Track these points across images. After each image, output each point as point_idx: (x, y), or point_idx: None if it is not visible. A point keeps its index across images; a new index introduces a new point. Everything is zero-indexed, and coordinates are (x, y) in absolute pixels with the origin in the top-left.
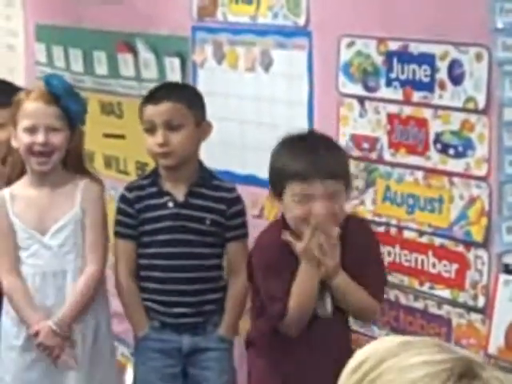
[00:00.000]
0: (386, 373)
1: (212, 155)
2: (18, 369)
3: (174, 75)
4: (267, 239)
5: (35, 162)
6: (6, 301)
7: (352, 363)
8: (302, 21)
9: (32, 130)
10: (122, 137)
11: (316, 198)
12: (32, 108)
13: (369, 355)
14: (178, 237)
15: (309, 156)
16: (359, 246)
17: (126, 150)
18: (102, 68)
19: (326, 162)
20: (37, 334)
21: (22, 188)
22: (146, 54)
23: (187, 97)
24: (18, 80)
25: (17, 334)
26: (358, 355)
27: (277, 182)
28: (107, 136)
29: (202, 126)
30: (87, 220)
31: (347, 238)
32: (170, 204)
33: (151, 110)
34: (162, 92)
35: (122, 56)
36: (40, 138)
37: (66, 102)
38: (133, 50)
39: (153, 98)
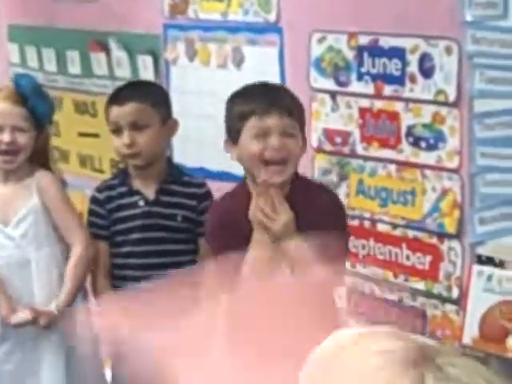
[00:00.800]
0: (345, 361)
1: (186, 152)
2: None
3: (147, 73)
4: (227, 200)
5: (1, 161)
6: None
7: (313, 353)
8: (272, 17)
9: None
10: (96, 135)
11: (272, 133)
12: None
13: (330, 344)
14: (151, 235)
15: (266, 94)
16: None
17: (100, 148)
18: (75, 67)
19: (282, 100)
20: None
21: None
22: (118, 53)
23: (151, 96)
24: None
25: None
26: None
27: (234, 126)
28: (82, 135)
29: (168, 124)
30: (50, 208)
31: (299, 199)
32: (141, 203)
33: (116, 112)
34: (126, 92)
35: (95, 55)
36: (6, 137)
37: (33, 103)
38: (106, 49)
39: (117, 98)
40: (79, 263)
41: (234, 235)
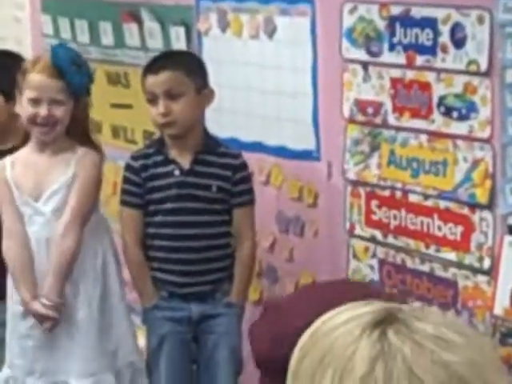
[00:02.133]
0: (323, 332)
1: (218, 122)
2: (16, 336)
3: (179, 44)
4: None
5: (38, 132)
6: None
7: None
8: None
9: (35, 102)
10: (129, 106)
11: None
12: (36, 80)
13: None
14: (185, 205)
15: None
16: None
17: (133, 119)
18: (107, 38)
19: None
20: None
21: (24, 154)
22: (151, 24)
23: (186, 64)
24: (26, 52)
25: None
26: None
27: None
28: (114, 106)
29: (203, 93)
30: (75, 185)
31: None
32: (176, 172)
33: (151, 81)
34: (161, 61)
35: (128, 26)
36: (43, 110)
37: (70, 76)
38: (138, 20)
39: (152, 68)
40: (69, 257)
41: None
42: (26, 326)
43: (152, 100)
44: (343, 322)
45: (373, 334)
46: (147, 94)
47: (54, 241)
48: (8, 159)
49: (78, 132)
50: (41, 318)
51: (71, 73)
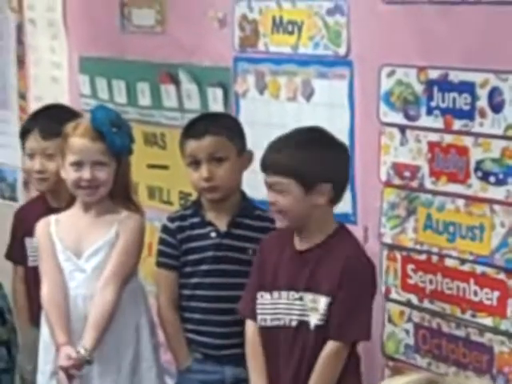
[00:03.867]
0: None
1: (253, 184)
2: None
3: (217, 106)
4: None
5: (82, 194)
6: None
7: None
8: (342, 50)
9: (78, 165)
10: (165, 167)
11: (268, 188)
12: (78, 144)
13: None
14: (221, 267)
15: (268, 148)
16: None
17: (169, 180)
18: (145, 99)
19: (272, 157)
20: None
21: (69, 213)
22: (188, 85)
23: (228, 128)
24: None
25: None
26: None
27: None
28: (151, 167)
29: (243, 156)
30: (117, 245)
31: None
32: (213, 234)
33: (194, 145)
34: (202, 125)
35: (165, 87)
36: (86, 174)
37: (110, 137)
38: (175, 81)
39: (193, 132)
40: (106, 314)
41: None
42: None
43: (193, 164)
44: None
45: None
46: (188, 157)
47: (90, 298)
48: (53, 217)
49: (120, 193)
50: (66, 362)
51: (111, 134)
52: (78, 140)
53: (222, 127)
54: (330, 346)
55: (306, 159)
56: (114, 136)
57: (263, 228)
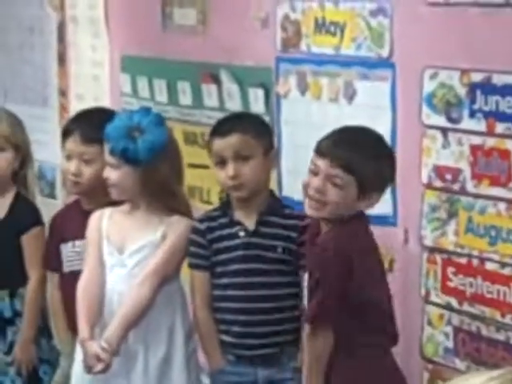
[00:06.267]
0: None
1: (294, 184)
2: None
3: (258, 106)
4: None
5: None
6: None
7: None
8: (385, 52)
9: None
10: (205, 167)
11: (318, 174)
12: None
13: None
14: (250, 266)
15: (339, 138)
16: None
17: (209, 180)
18: (186, 98)
19: (346, 151)
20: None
21: (119, 209)
22: (229, 85)
23: (254, 127)
24: None
25: None
26: None
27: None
28: (191, 166)
29: (270, 155)
30: (162, 244)
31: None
32: (241, 233)
33: (219, 143)
34: (228, 124)
35: (207, 87)
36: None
37: (119, 143)
38: (217, 81)
39: (219, 130)
40: (139, 309)
41: None
42: (89, 377)
43: (220, 163)
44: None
45: None
46: (215, 156)
47: (126, 295)
48: (108, 210)
49: (157, 198)
50: (92, 361)
51: (121, 140)
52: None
53: (248, 126)
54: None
55: (376, 168)
56: (125, 141)
57: (292, 226)
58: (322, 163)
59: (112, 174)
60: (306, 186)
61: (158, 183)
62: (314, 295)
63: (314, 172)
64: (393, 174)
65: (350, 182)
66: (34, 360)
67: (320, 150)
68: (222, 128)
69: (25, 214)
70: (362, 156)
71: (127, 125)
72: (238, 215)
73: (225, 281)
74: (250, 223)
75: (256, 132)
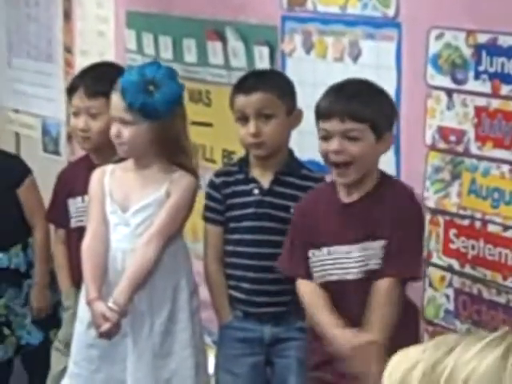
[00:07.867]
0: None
1: (299, 144)
2: (81, 344)
3: (263, 64)
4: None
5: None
6: None
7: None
8: (391, 12)
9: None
10: (209, 125)
11: (333, 136)
12: (113, 100)
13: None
14: (262, 224)
15: (334, 95)
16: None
17: (213, 138)
18: (191, 56)
19: (347, 103)
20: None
21: (122, 166)
22: (235, 43)
23: (278, 86)
24: None
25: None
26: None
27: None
28: (195, 124)
29: (293, 115)
30: (166, 203)
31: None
32: (256, 191)
33: (242, 100)
34: (253, 81)
35: (212, 44)
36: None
37: (135, 98)
38: (222, 39)
39: (243, 87)
40: (145, 268)
41: None
42: (92, 335)
43: (242, 119)
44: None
45: (499, 346)
46: (237, 112)
47: (130, 253)
48: (110, 167)
49: (165, 153)
50: (100, 320)
51: (139, 95)
52: (113, 96)
53: (272, 84)
54: (386, 283)
55: (379, 107)
56: (140, 96)
57: (307, 187)
58: (331, 125)
59: (125, 131)
60: (325, 156)
61: (171, 138)
62: (404, 249)
63: (326, 137)
64: (394, 110)
65: (364, 129)
66: (49, 305)
67: (323, 113)
68: (245, 84)
69: (12, 168)
70: (363, 101)
71: (142, 79)
72: (255, 173)
73: (237, 237)
74: (266, 182)
75: (280, 91)
